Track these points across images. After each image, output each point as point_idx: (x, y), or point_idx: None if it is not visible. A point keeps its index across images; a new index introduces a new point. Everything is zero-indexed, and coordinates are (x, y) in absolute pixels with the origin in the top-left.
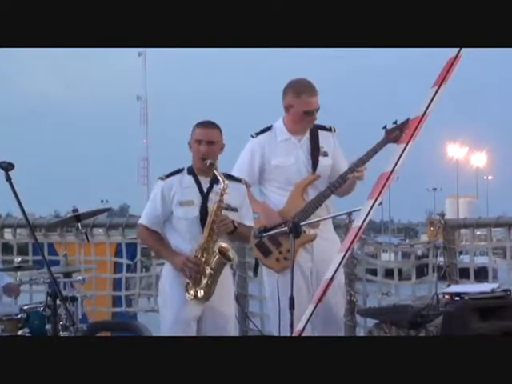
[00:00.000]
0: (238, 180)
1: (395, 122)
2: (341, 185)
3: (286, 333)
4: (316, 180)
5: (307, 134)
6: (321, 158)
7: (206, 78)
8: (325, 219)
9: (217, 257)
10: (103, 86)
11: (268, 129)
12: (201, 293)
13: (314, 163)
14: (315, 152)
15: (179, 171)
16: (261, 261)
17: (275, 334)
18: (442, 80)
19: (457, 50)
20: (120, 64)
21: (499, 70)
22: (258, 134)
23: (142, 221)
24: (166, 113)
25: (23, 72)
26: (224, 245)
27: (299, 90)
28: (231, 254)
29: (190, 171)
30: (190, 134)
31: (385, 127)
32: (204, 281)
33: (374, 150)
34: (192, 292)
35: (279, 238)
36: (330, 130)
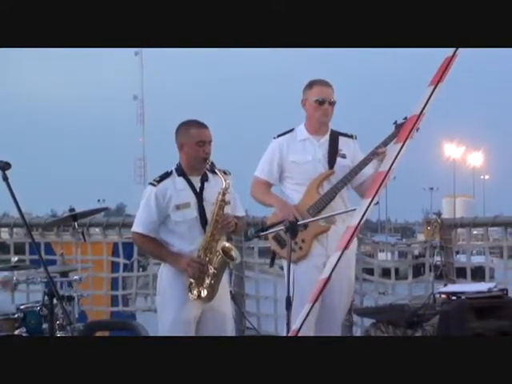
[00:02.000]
0: (226, 173)
1: (405, 118)
2: (353, 177)
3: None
4: (331, 175)
5: (327, 136)
6: (338, 159)
7: (203, 78)
8: (321, 218)
9: (220, 256)
10: (100, 85)
11: (290, 131)
12: (204, 292)
13: (331, 162)
14: (333, 152)
15: (168, 174)
16: (277, 252)
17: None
18: (438, 79)
19: (453, 49)
20: (117, 64)
21: (497, 70)
22: (279, 136)
23: (137, 229)
24: (163, 112)
25: (19, 72)
26: (227, 244)
27: (311, 83)
28: (234, 253)
29: (180, 172)
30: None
31: (395, 122)
32: (207, 280)
33: (385, 144)
34: (195, 292)
35: None
36: (351, 136)
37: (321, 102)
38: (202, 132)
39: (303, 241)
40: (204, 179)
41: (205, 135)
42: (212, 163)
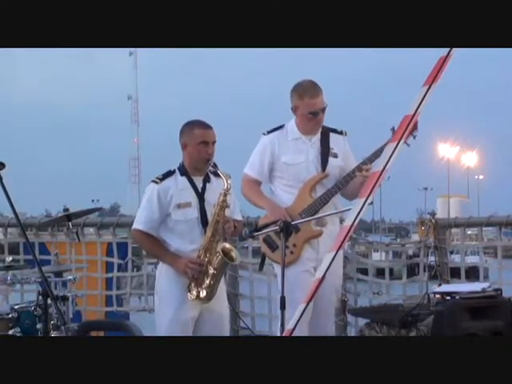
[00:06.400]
0: (226, 176)
1: None
2: (348, 182)
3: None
4: (324, 178)
5: (318, 135)
6: (330, 159)
7: (197, 78)
8: (317, 218)
9: (220, 257)
10: (94, 85)
11: (280, 127)
12: (203, 293)
13: (324, 163)
14: (325, 152)
15: (171, 173)
16: (267, 255)
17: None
18: (432, 79)
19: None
20: (111, 64)
21: (491, 70)
22: (269, 132)
23: (138, 226)
24: (157, 112)
25: (13, 72)
26: (228, 245)
27: (302, 93)
28: (234, 254)
29: (183, 172)
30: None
31: (392, 128)
32: (207, 281)
33: (382, 150)
34: (194, 292)
35: None
36: (341, 133)
37: (314, 114)
38: (206, 132)
39: (294, 245)
40: (206, 180)
41: (209, 136)
42: (215, 164)
